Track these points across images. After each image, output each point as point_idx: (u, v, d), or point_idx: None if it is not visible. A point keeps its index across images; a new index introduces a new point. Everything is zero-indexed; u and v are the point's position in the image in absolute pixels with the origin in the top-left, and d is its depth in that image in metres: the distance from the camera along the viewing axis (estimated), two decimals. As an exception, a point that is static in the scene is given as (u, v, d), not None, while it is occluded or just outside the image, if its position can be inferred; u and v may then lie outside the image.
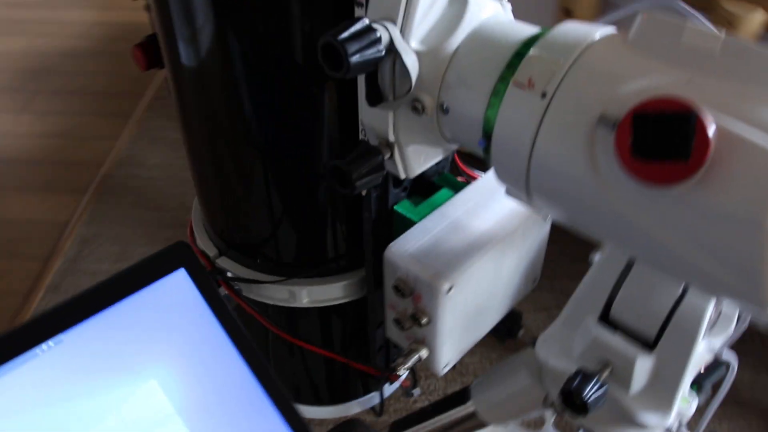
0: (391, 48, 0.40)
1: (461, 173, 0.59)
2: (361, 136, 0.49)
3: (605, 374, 0.54)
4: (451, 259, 0.50)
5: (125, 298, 0.48)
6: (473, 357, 0.94)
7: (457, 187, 0.56)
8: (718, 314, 0.55)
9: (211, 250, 0.66)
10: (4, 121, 1.60)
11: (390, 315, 0.56)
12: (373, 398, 0.78)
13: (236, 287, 0.63)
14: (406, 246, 0.51)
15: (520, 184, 0.40)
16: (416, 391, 0.57)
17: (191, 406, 0.49)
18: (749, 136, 0.32)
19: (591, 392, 0.50)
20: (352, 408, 0.78)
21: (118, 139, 1.54)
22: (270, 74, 0.51)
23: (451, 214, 0.53)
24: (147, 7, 0.66)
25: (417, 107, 0.43)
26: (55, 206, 1.35)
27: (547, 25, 0.41)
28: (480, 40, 0.42)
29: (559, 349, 0.57)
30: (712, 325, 0.55)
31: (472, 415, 0.70)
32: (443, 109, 0.43)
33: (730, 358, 0.60)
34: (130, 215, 1.33)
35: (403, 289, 0.51)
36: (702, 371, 0.58)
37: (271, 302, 0.64)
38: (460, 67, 0.42)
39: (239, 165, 0.58)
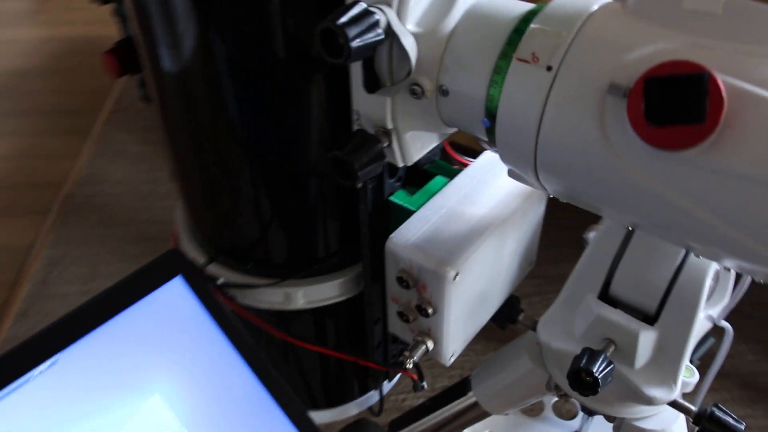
0: (389, 31, 0.40)
1: (452, 161, 0.59)
2: (354, 127, 0.48)
3: (610, 351, 0.54)
4: (454, 246, 0.49)
5: (120, 312, 0.47)
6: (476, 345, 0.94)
7: (451, 174, 0.56)
8: (715, 283, 0.56)
9: (200, 258, 0.64)
10: (-45, 147, 1.54)
11: (393, 308, 0.55)
12: (370, 398, 0.77)
13: (230, 294, 0.62)
14: (407, 236, 0.50)
15: (528, 162, 0.40)
16: (425, 384, 0.57)
17: (198, 419, 0.47)
18: (760, 93, 0.32)
19: (600, 369, 0.50)
20: (350, 410, 0.77)
21: (77, 157, 1.49)
22: (255, 72, 0.50)
23: (449, 201, 0.53)
24: (116, 13, 0.64)
25: (416, 91, 0.42)
26: (18, 230, 1.30)
27: (540, 1, 0.41)
28: (477, 18, 0.41)
29: (561, 330, 0.57)
30: (710, 294, 0.55)
31: (473, 406, 0.70)
32: (443, 91, 0.42)
33: (725, 326, 0.61)
34: (97, 234, 1.29)
35: (407, 280, 0.50)
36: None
37: (266, 306, 0.62)
38: (458, 47, 0.41)
39: (227, 167, 0.57)
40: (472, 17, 0.41)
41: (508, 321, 0.61)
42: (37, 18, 2.06)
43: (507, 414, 0.73)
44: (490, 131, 0.41)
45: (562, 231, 0.84)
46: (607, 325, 0.53)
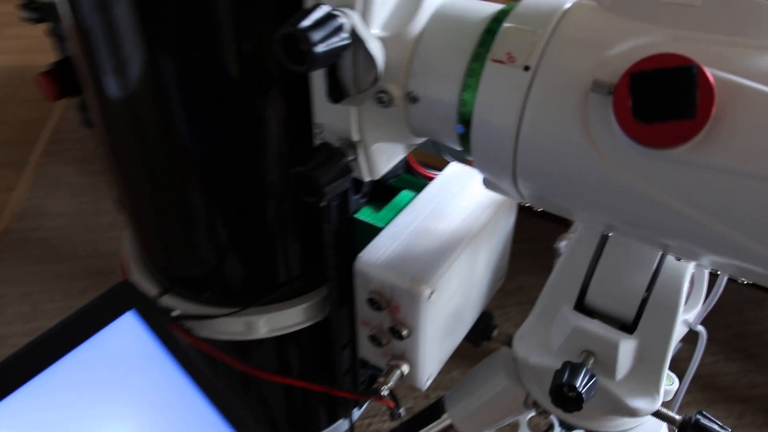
0: (353, 36, 0.37)
1: (417, 175, 0.57)
2: (316, 142, 0.45)
3: (590, 364, 0.52)
4: (426, 263, 0.47)
5: (67, 353, 0.42)
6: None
7: (417, 188, 0.54)
8: (690, 287, 0.55)
9: (152, 289, 0.60)
10: None
11: (363, 332, 0.52)
12: (339, 427, 0.73)
13: (186, 326, 0.58)
14: (376, 254, 0.48)
15: (506, 167, 0.38)
16: (402, 411, 0.53)
17: (158, 460, 0.43)
18: (750, 85, 0.31)
19: (583, 383, 0.48)
20: (318, 441, 0.74)
21: (13, 191, 1.42)
22: (207, 91, 0.47)
23: (418, 216, 0.50)
24: (51, 33, 0.60)
25: (383, 99, 0.40)
26: (-50, 271, 1.22)
27: (508, 1, 0.39)
28: (445, 20, 0.39)
29: (537, 344, 0.55)
30: (687, 298, 0.54)
31: (448, 429, 0.67)
32: (412, 98, 0.40)
33: (699, 330, 0.61)
34: (38, 270, 1.22)
35: (379, 302, 0.47)
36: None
37: (226, 337, 0.58)
38: (427, 51, 0.39)
39: (178, 191, 0.53)
40: (440, 19, 0.39)
41: (482, 338, 0.59)
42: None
43: (482, 435, 0.70)
44: (464, 138, 0.39)
45: (519, 243, 0.84)
46: (585, 337, 0.51)
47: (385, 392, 0.49)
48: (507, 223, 0.54)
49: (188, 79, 0.46)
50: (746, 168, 0.31)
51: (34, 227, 1.34)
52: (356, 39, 0.37)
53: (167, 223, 0.57)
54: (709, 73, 0.30)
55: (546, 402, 0.57)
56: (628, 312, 0.52)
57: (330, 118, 0.42)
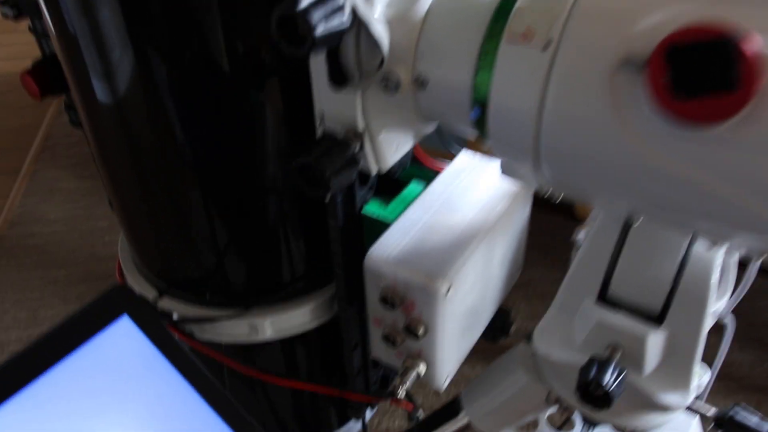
0: (355, 18, 0.34)
1: (424, 167, 0.54)
2: (319, 133, 0.42)
3: (617, 358, 0.50)
4: (441, 257, 0.44)
5: (58, 362, 0.39)
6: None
7: (426, 179, 0.51)
8: (720, 275, 0.52)
9: (149, 292, 0.57)
10: None
11: (376, 332, 0.49)
12: (350, 429, 0.71)
13: (186, 330, 0.55)
14: (387, 250, 0.45)
15: (527, 153, 0.35)
16: (420, 414, 0.51)
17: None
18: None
19: (612, 380, 0.45)
20: (330, 444, 0.71)
21: (8, 198, 1.39)
22: (199, 85, 0.44)
23: (429, 208, 0.48)
24: (31, 29, 0.57)
25: (389, 84, 0.37)
26: (-54, 279, 1.20)
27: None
28: (454, -4, 0.36)
29: (559, 339, 0.52)
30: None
31: (466, 428, 0.64)
32: (420, 82, 0.37)
33: (727, 320, 0.58)
34: (35, 276, 1.20)
35: (393, 299, 0.45)
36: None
37: (229, 340, 0.56)
38: (435, 31, 0.36)
39: (173, 190, 0.50)
40: (448, -5, 0.36)
41: (500, 334, 0.56)
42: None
43: (500, 433, 0.67)
44: (480, 122, 0.36)
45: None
46: (610, 331, 0.49)
47: (401, 394, 0.46)
48: (522, 213, 0.51)
49: (179, 74, 0.44)
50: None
51: (29, 234, 1.31)
52: (358, 20, 0.34)
53: (163, 224, 0.54)
54: (756, 41, 0.27)
55: (571, 398, 0.54)
56: (655, 303, 0.49)
57: (333, 106, 0.39)
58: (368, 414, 0.68)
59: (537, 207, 0.56)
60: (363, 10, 0.34)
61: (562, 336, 0.52)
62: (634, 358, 0.49)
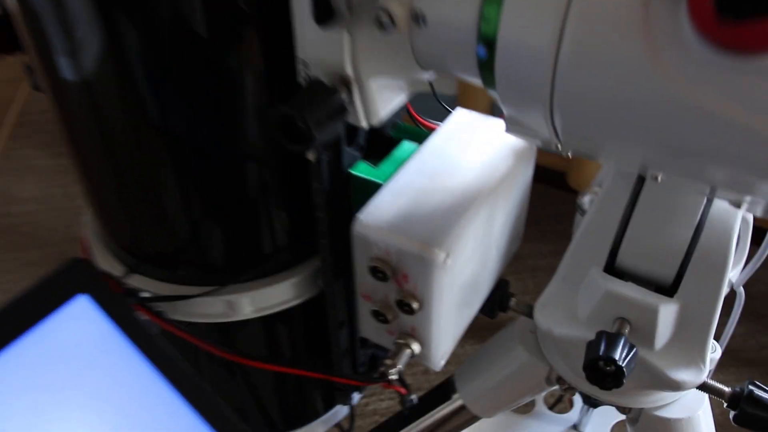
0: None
1: (417, 124, 0.49)
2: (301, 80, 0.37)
3: (626, 332, 0.46)
4: (438, 223, 0.39)
5: (5, 347, 0.35)
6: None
7: (420, 138, 0.46)
8: (737, 242, 0.48)
9: (117, 269, 0.52)
10: None
11: (365, 308, 0.45)
12: (338, 413, 0.66)
13: (157, 309, 0.50)
14: (378, 215, 0.40)
15: (540, 99, 0.30)
16: (414, 398, 0.46)
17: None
18: None
19: (623, 356, 0.42)
20: (315, 430, 0.66)
21: (-21, 178, 1.34)
22: (168, 43, 0.39)
23: (424, 169, 0.43)
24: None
25: (383, 21, 0.32)
26: None
27: None
28: None
29: (562, 313, 0.48)
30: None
31: (460, 410, 0.60)
32: (419, 18, 0.32)
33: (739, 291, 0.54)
34: (10, 258, 1.15)
35: (384, 270, 0.40)
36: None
37: (205, 320, 0.51)
38: (435, -45, 0.31)
39: (142, 154, 0.45)
40: None
41: (499, 309, 0.52)
42: None
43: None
44: (486, 65, 0.31)
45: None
46: (618, 302, 0.45)
47: (393, 376, 0.42)
48: (526, 174, 0.47)
49: (144, 21, 0.38)
50: None
51: (4, 213, 1.27)
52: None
53: (131, 192, 0.49)
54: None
55: (573, 377, 0.51)
56: (668, 272, 0.45)
57: (317, 50, 0.35)
58: (356, 397, 0.64)
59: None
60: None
61: (566, 310, 0.48)
62: (645, 332, 0.45)
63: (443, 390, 0.60)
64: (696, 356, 0.45)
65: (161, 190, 0.48)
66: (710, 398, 0.51)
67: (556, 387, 0.54)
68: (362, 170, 0.43)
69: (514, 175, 0.44)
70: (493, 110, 0.86)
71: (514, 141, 0.45)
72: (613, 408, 0.54)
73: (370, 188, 0.42)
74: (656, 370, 0.45)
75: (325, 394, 0.65)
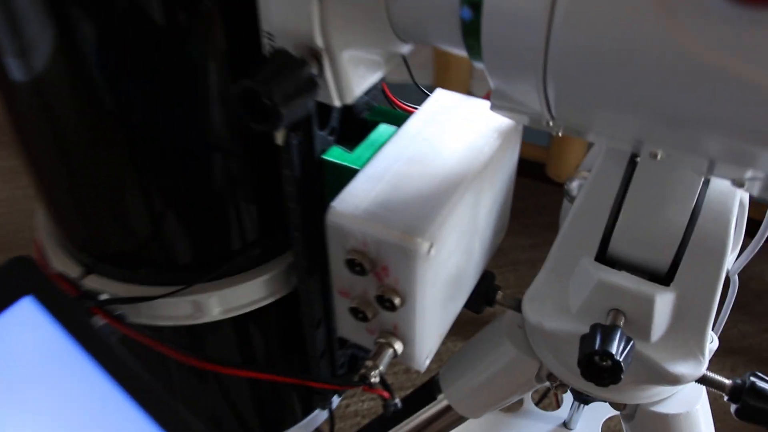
0: None
1: (394, 107, 0.46)
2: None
3: (621, 325, 0.43)
4: (420, 210, 0.36)
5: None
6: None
7: (398, 121, 0.43)
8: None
9: (73, 270, 0.48)
10: None
11: (343, 305, 0.41)
12: (317, 417, 0.63)
13: (118, 312, 0.46)
14: (353, 202, 0.37)
15: (533, 64, 0.27)
16: (398, 402, 0.43)
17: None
18: None
19: (620, 350, 0.39)
20: (293, 436, 0.63)
21: (-67, 178, 1.28)
22: (119, 23, 0.35)
23: (403, 153, 0.40)
24: None
25: (355, -18, 0.29)
26: None
27: None
28: None
29: (552, 306, 0.45)
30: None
31: (445, 411, 0.57)
32: (395, -20, 0.29)
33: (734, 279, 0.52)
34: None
35: (362, 263, 0.37)
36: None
37: (170, 323, 0.47)
38: None
39: (97, 150, 0.42)
40: None
41: (485, 303, 0.49)
42: None
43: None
44: (471, 30, 0.28)
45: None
46: (612, 293, 0.42)
47: (375, 379, 0.39)
48: (512, 157, 0.44)
49: (95, 11, 0.35)
50: None
51: (-35, 217, 1.21)
52: None
53: (85, 190, 0.45)
54: None
55: (565, 374, 0.48)
56: (663, 259, 0.43)
57: (283, 19, 0.31)
58: (336, 400, 0.61)
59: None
60: None
61: (556, 302, 0.45)
62: (640, 323, 0.42)
63: (427, 390, 0.57)
64: (694, 348, 0.43)
65: (119, 186, 0.44)
66: (708, 391, 0.49)
67: (546, 384, 0.52)
68: (336, 155, 0.40)
69: (500, 158, 0.41)
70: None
71: (498, 122, 0.42)
72: (605, 404, 0.51)
73: (345, 175, 0.39)
74: (653, 364, 0.42)
75: (303, 398, 0.62)
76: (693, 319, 0.42)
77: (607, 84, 0.27)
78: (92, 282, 0.48)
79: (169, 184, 0.43)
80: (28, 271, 0.33)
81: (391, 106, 0.45)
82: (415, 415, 0.58)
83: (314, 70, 0.32)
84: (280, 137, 0.37)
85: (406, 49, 0.35)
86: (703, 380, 0.45)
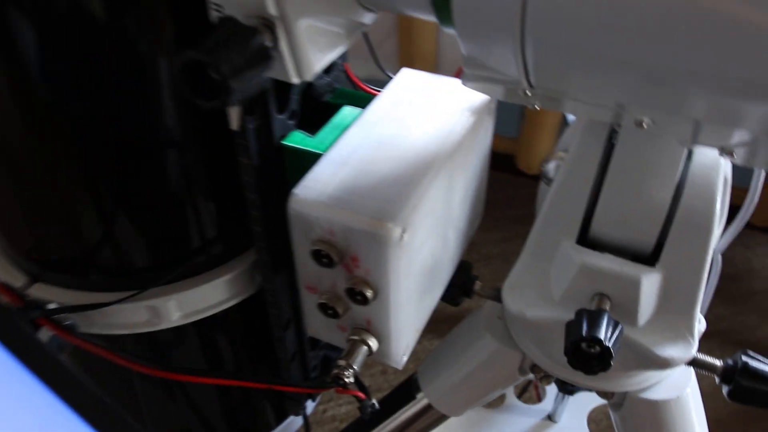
0: None
1: (358, 90, 0.43)
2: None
3: (607, 310, 0.41)
4: (390, 193, 0.33)
5: None
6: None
7: (363, 102, 0.40)
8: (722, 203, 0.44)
9: (17, 280, 0.44)
10: None
11: (311, 301, 0.38)
12: (292, 424, 0.60)
13: (68, 322, 0.42)
14: (317, 188, 0.34)
15: (510, 26, 0.25)
16: (374, 402, 0.40)
17: None
18: None
19: (609, 335, 0.37)
20: (267, 444, 0.60)
21: None
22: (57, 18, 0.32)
23: (370, 135, 0.37)
24: None
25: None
26: None
27: None
28: None
29: (534, 294, 0.43)
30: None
31: (426, 410, 0.55)
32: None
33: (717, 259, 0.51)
34: None
35: (329, 254, 0.34)
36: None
37: (128, 331, 0.44)
38: None
39: (37, 151, 0.38)
40: None
41: (463, 294, 0.46)
42: None
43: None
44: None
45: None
46: (595, 277, 0.40)
47: (349, 379, 0.36)
48: (486, 136, 0.41)
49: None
50: None
51: None
52: None
53: (25, 193, 0.42)
54: None
55: (550, 364, 0.46)
56: (647, 239, 0.41)
57: (230, -15, 0.28)
58: (310, 405, 0.57)
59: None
60: None
61: (538, 290, 0.43)
62: (626, 307, 0.40)
63: (406, 389, 0.55)
64: (683, 329, 0.41)
65: (63, 186, 0.40)
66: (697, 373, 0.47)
67: (530, 376, 0.49)
68: (297, 140, 0.37)
69: (473, 138, 0.38)
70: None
71: (469, 100, 0.39)
72: (590, 393, 0.49)
73: (308, 160, 0.36)
74: (642, 349, 0.40)
75: (276, 405, 0.59)
76: (681, 299, 0.41)
77: (590, 40, 0.24)
78: (39, 291, 0.44)
79: (117, 181, 0.40)
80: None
81: (354, 88, 0.42)
82: (394, 416, 0.55)
83: (268, 42, 0.29)
84: (234, 121, 0.34)
85: (368, 18, 0.32)
86: (693, 363, 0.43)
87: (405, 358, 0.40)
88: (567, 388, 0.52)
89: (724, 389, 0.43)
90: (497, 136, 0.44)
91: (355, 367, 0.36)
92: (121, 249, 0.43)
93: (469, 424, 0.66)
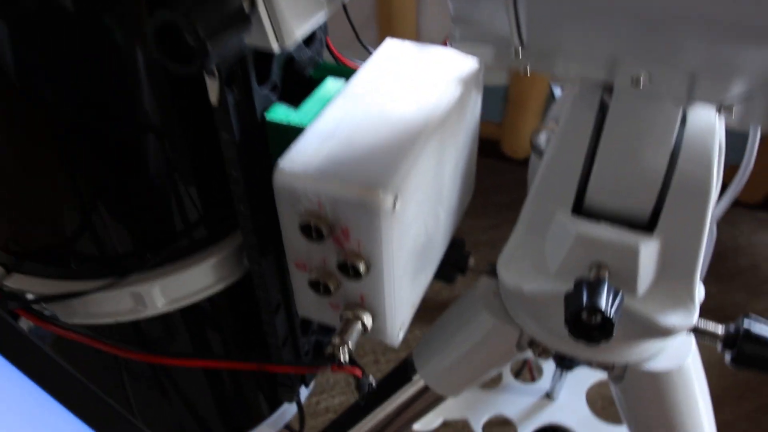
0: None
1: (340, 64, 0.41)
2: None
3: (606, 278, 0.40)
4: (380, 162, 0.32)
5: None
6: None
7: (347, 75, 0.39)
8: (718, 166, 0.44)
9: (-7, 271, 0.43)
10: None
11: (301, 279, 0.37)
12: (286, 413, 0.58)
13: (48, 313, 0.41)
14: (303, 160, 0.32)
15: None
16: (371, 380, 0.39)
17: None
18: None
19: (610, 303, 0.36)
20: (261, 435, 0.58)
21: None
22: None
23: (356, 105, 0.35)
24: None
25: None
26: None
27: None
28: None
29: (530, 267, 0.42)
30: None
31: (423, 392, 0.54)
32: None
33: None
34: None
35: (319, 227, 0.32)
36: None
37: (111, 320, 0.42)
38: None
39: (10, 136, 0.37)
40: None
41: (457, 270, 0.45)
42: None
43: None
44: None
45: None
46: (592, 246, 0.40)
47: (344, 357, 0.34)
48: (475, 104, 0.40)
49: None
50: None
51: None
52: None
53: (0, 180, 0.40)
54: None
55: (548, 338, 0.45)
56: (644, 206, 0.40)
57: (203, -55, 0.27)
58: (304, 394, 0.56)
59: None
60: None
61: (533, 262, 0.42)
62: (625, 276, 0.40)
63: (402, 371, 0.54)
64: (684, 296, 0.40)
65: (38, 172, 0.39)
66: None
67: (527, 354, 0.48)
68: (280, 113, 0.36)
69: (461, 108, 0.37)
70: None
71: (457, 70, 0.38)
72: (588, 370, 0.48)
73: (292, 135, 0.34)
74: (642, 318, 0.39)
75: (269, 393, 0.57)
76: (680, 266, 0.40)
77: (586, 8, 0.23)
78: (16, 282, 0.42)
79: (93, 166, 0.38)
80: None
81: (336, 62, 0.41)
82: (390, 400, 0.54)
83: (245, 6, 0.27)
84: (213, 95, 0.32)
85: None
86: (694, 330, 0.43)
87: (401, 335, 0.38)
88: (565, 363, 0.51)
89: (727, 356, 0.43)
90: (481, 121, 0.43)
91: (349, 344, 0.35)
92: (100, 236, 0.41)
93: (466, 405, 0.65)
